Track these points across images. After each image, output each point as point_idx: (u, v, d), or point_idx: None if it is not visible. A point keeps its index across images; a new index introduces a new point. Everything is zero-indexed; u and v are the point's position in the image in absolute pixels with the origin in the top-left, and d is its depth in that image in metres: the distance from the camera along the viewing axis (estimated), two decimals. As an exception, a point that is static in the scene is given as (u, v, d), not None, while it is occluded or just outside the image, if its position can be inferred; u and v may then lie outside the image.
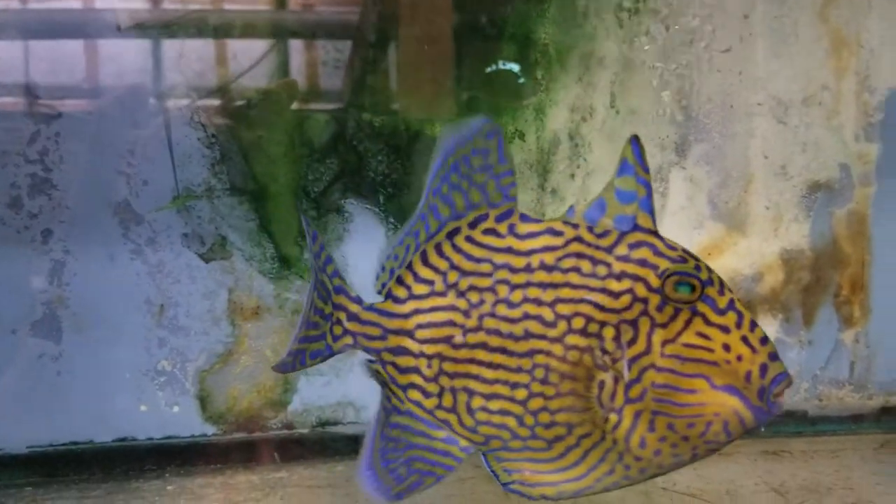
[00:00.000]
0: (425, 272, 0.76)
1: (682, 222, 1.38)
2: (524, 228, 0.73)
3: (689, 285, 0.69)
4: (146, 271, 1.27)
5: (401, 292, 0.77)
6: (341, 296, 0.80)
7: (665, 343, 0.69)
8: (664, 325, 0.69)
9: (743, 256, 1.36)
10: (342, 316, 0.79)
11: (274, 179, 1.30)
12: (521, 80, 1.31)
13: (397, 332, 0.76)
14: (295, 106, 1.31)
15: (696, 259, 0.71)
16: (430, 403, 0.75)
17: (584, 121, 1.35)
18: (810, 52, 1.35)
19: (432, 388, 0.75)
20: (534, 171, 1.34)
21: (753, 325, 0.69)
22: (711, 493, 1.09)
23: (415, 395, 0.76)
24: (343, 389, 1.33)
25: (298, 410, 1.32)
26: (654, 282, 0.69)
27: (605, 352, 0.70)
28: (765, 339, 0.69)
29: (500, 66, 1.30)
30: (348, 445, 1.31)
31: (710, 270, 0.70)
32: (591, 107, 1.35)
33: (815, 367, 1.38)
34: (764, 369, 0.68)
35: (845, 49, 1.36)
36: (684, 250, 0.71)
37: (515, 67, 1.30)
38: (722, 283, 0.70)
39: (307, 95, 1.34)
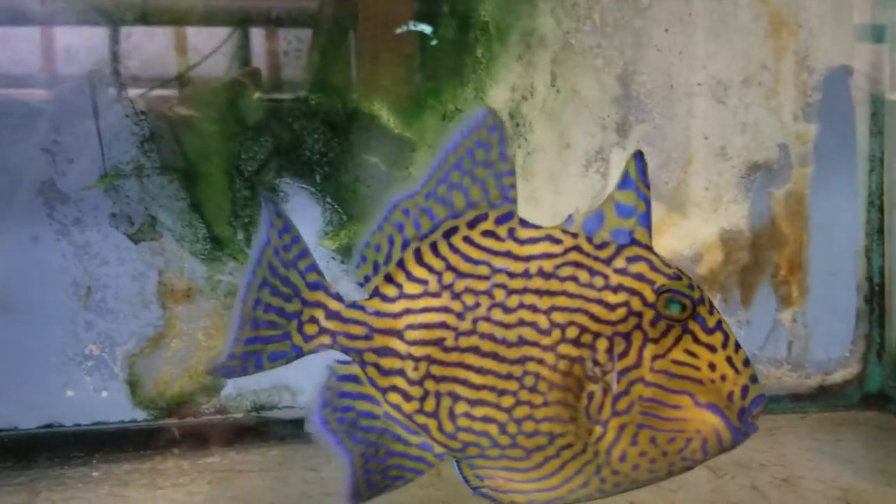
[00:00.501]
0: (419, 271, 0.72)
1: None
2: (524, 233, 0.72)
3: (681, 304, 0.69)
4: (73, 252, 1.23)
5: (390, 290, 0.73)
6: (319, 292, 0.74)
7: (655, 358, 0.68)
8: (656, 341, 0.69)
9: (682, 237, 1.36)
10: (319, 314, 0.74)
11: (205, 158, 1.26)
12: (434, 42, 1.29)
13: (385, 333, 0.72)
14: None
15: (689, 278, 0.71)
16: (410, 407, 0.72)
17: (525, 100, 1.33)
18: (750, 31, 1.35)
19: (415, 391, 0.72)
20: (473, 150, 1.32)
21: (738, 346, 0.70)
22: (645, 471, 1.08)
23: (395, 398, 0.73)
24: (278, 373, 1.28)
25: (232, 395, 1.29)
26: (650, 297, 0.69)
27: (596, 363, 0.69)
28: (747, 362, 0.69)
29: (411, 26, 1.28)
30: (284, 430, 1.29)
31: (701, 290, 0.71)
32: (532, 86, 1.33)
33: (754, 347, 1.38)
34: (745, 391, 0.68)
35: (784, 29, 1.36)
36: (678, 269, 0.71)
37: (427, 29, 1.28)
38: (711, 304, 0.71)
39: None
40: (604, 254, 0.70)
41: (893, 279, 1.38)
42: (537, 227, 0.72)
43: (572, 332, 0.69)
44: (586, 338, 0.69)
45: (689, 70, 1.35)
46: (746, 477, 1.03)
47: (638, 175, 0.70)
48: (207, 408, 1.28)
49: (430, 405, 0.72)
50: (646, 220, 0.70)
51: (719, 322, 0.70)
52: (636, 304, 0.69)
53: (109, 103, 1.22)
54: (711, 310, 0.70)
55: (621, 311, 0.69)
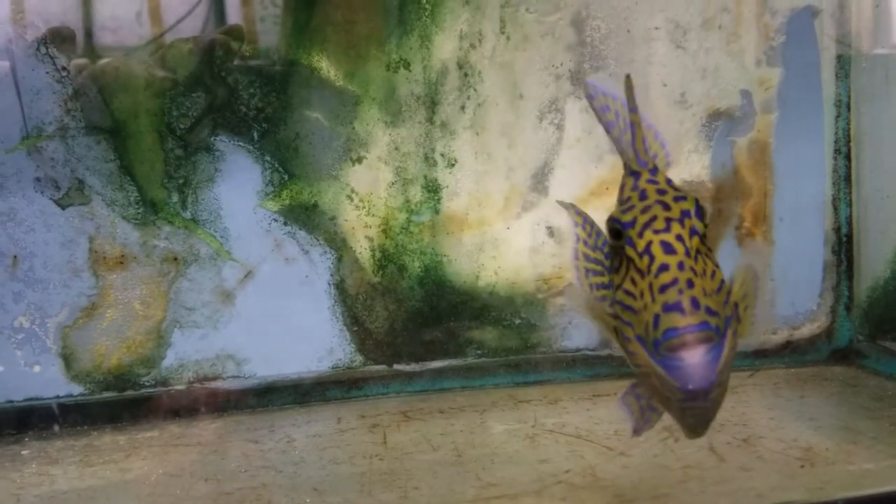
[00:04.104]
0: None
1: (579, 156, 1.31)
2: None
3: (615, 231, 0.67)
4: (-5, 220, 1.16)
5: None
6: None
7: (617, 286, 0.67)
8: (616, 270, 0.67)
9: (642, 190, 1.30)
10: None
11: (134, 116, 1.19)
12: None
13: None
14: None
15: (643, 198, 0.67)
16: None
17: (474, 48, 1.26)
18: (709, -29, 1.28)
19: None
20: (421, 103, 1.25)
21: (661, 269, 0.63)
22: (599, 433, 1.04)
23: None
24: (221, 342, 1.24)
25: (173, 366, 1.23)
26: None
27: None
28: (664, 287, 0.62)
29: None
30: (229, 401, 1.23)
31: (645, 210, 0.66)
32: (481, 33, 1.26)
33: (717, 303, 1.33)
34: (656, 321, 0.61)
35: (745, -32, 1.29)
36: (642, 190, 0.68)
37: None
38: (650, 222, 0.65)
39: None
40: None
41: (862, 229, 1.33)
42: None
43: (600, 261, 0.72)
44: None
45: (646, 14, 1.28)
46: (706, 438, 0.98)
47: (630, 98, 0.72)
48: (147, 380, 1.23)
49: None
50: (633, 144, 0.72)
51: (649, 244, 0.64)
52: (608, 236, 0.69)
53: (28, 58, 1.14)
54: (643, 230, 0.64)
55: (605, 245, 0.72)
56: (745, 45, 1.31)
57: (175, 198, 1.21)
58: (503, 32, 1.26)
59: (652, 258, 0.64)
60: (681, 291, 0.62)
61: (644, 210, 0.66)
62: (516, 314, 1.31)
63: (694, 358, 0.60)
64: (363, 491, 0.89)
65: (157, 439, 1.12)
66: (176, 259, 1.21)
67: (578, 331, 1.32)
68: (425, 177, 1.27)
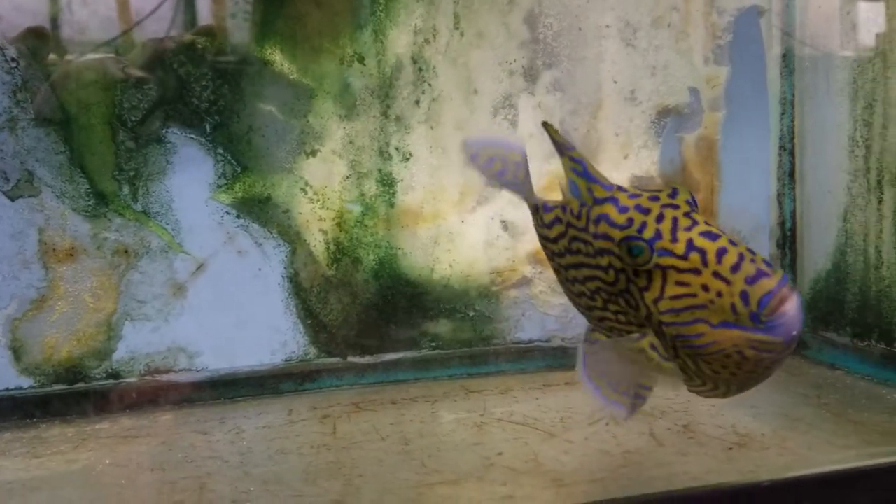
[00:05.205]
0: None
1: (533, 152, 1.31)
2: (547, 217, 0.79)
3: (640, 249, 0.68)
4: (-58, 211, 1.15)
5: None
6: None
7: (656, 301, 0.68)
8: (647, 288, 0.69)
9: (592, 184, 1.32)
10: None
11: (85, 108, 1.18)
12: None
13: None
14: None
15: (646, 212, 0.69)
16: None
17: (428, 43, 1.27)
18: (659, -29, 1.31)
19: None
20: (376, 97, 1.26)
21: (720, 254, 0.66)
22: (546, 421, 1.06)
23: None
24: (173, 335, 1.24)
25: (125, 359, 1.23)
26: (619, 251, 0.70)
27: (631, 314, 0.72)
28: (736, 266, 0.65)
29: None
30: (181, 394, 1.23)
31: (659, 219, 0.68)
32: (435, 28, 1.27)
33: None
34: (745, 297, 0.64)
35: (694, -32, 1.32)
36: (637, 205, 0.70)
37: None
38: (675, 225, 0.67)
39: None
40: (581, 223, 0.73)
41: (805, 224, 1.37)
42: (551, 209, 0.78)
43: (603, 296, 0.74)
44: (612, 299, 0.73)
45: (598, 12, 1.30)
46: (646, 424, 1.01)
47: (555, 143, 0.75)
48: (98, 373, 1.22)
49: None
50: (590, 175, 0.73)
51: (690, 242, 0.66)
52: (616, 263, 0.71)
53: (-23, 50, 1.14)
54: (675, 236, 0.67)
55: (612, 273, 0.72)
56: (694, 44, 1.33)
57: (126, 190, 1.21)
58: (457, 28, 1.28)
59: (703, 251, 0.66)
60: (752, 261, 0.65)
61: (658, 219, 0.68)
62: (470, 306, 1.33)
63: (794, 307, 0.64)
64: (307, 480, 0.90)
65: (106, 431, 1.12)
66: (127, 251, 1.21)
67: (531, 323, 1.34)
68: (380, 170, 1.28)
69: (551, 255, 0.80)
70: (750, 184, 1.36)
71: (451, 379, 1.30)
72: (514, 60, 1.30)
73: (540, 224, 0.81)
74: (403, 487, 0.86)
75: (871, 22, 1.25)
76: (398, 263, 1.30)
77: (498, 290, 1.33)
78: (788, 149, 1.37)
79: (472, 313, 1.33)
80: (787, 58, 1.35)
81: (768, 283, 0.64)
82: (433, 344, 1.32)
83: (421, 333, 1.32)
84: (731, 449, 0.92)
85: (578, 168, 0.74)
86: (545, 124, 0.75)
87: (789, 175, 1.37)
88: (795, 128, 1.36)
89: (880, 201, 1.22)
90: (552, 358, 1.33)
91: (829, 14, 1.31)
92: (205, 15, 1.25)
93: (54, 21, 1.19)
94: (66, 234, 1.19)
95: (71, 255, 1.19)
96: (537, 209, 0.81)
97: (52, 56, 1.18)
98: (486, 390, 1.22)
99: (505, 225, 1.32)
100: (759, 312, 0.64)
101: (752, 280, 0.64)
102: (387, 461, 0.95)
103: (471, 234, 1.32)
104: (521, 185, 0.82)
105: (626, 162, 1.32)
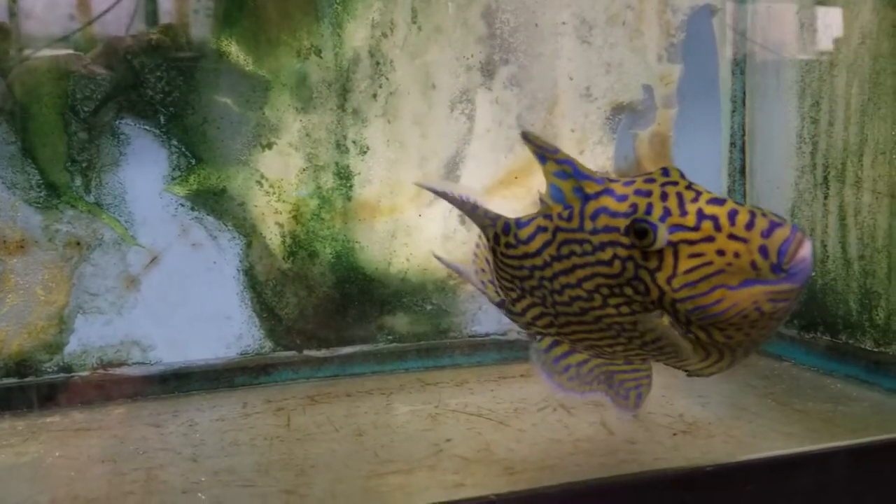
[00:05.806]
0: (505, 286, 0.83)
1: (491, 146, 1.34)
2: (523, 233, 0.78)
3: (645, 231, 0.69)
4: None
5: (509, 303, 0.85)
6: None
7: (670, 280, 0.69)
8: (659, 269, 0.69)
9: (548, 179, 1.34)
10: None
11: (36, 98, 1.16)
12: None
13: (527, 326, 0.84)
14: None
15: (648, 194, 0.70)
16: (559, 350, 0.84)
17: (385, 37, 1.28)
18: (614, -31, 1.33)
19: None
20: (333, 90, 1.27)
21: (732, 216, 0.67)
22: (500, 411, 1.07)
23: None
24: (126, 328, 1.23)
25: (77, 352, 1.21)
26: (626, 240, 0.71)
27: (638, 302, 0.72)
28: (750, 223, 0.66)
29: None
30: (134, 387, 1.22)
31: (664, 198, 0.69)
32: (393, 22, 1.28)
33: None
34: (764, 251, 0.66)
35: (647, -33, 1.34)
36: (636, 190, 0.70)
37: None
38: (681, 200, 0.69)
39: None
40: (574, 224, 0.74)
41: (755, 219, 1.40)
42: (528, 223, 0.77)
43: (605, 292, 0.74)
44: (616, 291, 0.73)
45: (554, 8, 1.32)
46: (598, 414, 1.02)
47: (538, 151, 0.74)
48: (50, 366, 1.21)
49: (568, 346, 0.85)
50: (581, 174, 0.73)
51: (700, 212, 0.68)
52: (622, 252, 0.71)
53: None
54: (683, 209, 0.68)
55: (618, 265, 0.72)
56: (648, 42, 1.36)
57: (78, 181, 1.19)
58: (415, 22, 1.28)
59: (715, 217, 0.67)
60: (764, 215, 0.67)
61: (663, 198, 0.69)
62: (427, 300, 1.34)
63: (809, 250, 0.66)
64: (260, 470, 0.90)
65: (57, 425, 1.11)
66: (79, 244, 1.19)
67: (488, 316, 1.35)
68: (337, 163, 1.28)
69: (529, 272, 0.79)
70: (702, 179, 1.37)
71: (407, 372, 1.31)
72: (472, 55, 1.31)
73: (513, 243, 0.79)
74: (355, 477, 0.87)
75: (819, 23, 1.29)
76: (355, 257, 1.30)
77: (455, 283, 1.34)
78: (739, 146, 1.40)
79: (428, 307, 1.34)
80: (738, 57, 1.38)
81: (783, 233, 0.66)
82: (390, 337, 1.33)
83: (378, 327, 1.32)
84: (676, 435, 0.94)
85: (567, 169, 0.74)
86: (524, 135, 0.75)
87: (740, 171, 1.40)
88: (746, 125, 1.39)
89: (826, 197, 1.26)
90: (508, 350, 1.34)
91: (779, 14, 1.34)
92: (167, 8, 1.24)
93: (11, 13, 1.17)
94: (17, 226, 1.17)
95: (22, 247, 1.18)
96: (508, 230, 0.79)
97: (5, 48, 1.17)
98: (441, 383, 1.23)
99: (462, 219, 1.33)
100: (780, 262, 0.66)
101: (767, 233, 0.66)
102: (340, 452, 0.95)
103: (428, 228, 1.33)
104: (486, 225, 0.82)
105: (582, 158, 1.34)
